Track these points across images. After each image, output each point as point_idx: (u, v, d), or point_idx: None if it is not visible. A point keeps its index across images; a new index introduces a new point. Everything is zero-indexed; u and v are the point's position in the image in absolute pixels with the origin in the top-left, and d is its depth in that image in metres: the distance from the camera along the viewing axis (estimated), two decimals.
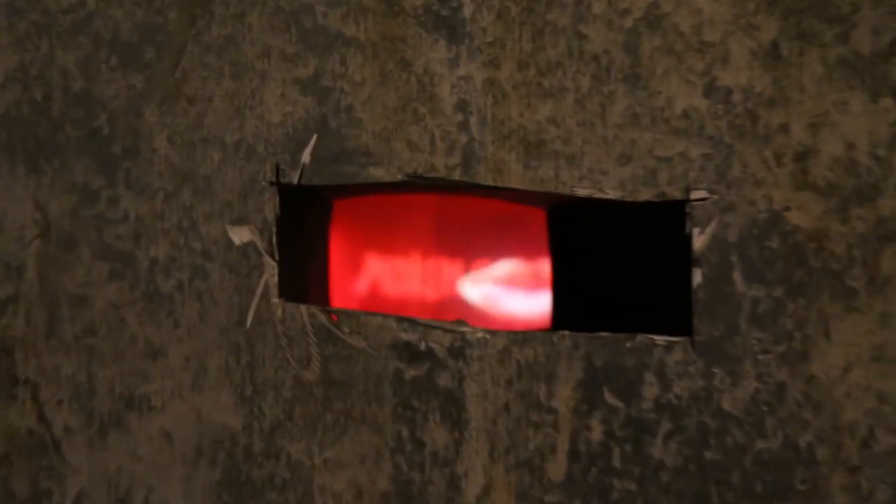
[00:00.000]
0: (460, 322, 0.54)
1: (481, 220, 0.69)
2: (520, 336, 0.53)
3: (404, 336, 0.56)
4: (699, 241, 0.52)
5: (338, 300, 0.67)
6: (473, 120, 0.54)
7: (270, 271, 0.56)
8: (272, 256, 0.56)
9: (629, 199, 0.52)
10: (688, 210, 0.52)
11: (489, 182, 0.53)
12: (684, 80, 0.52)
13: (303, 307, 0.55)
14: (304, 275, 0.60)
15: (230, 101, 0.58)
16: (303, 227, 0.60)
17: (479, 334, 0.54)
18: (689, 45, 0.52)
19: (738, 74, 0.52)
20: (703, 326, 0.51)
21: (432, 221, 0.68)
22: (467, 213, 0.68)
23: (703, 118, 0.52)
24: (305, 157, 0.56)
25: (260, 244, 0.57)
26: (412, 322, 0.54)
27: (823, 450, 0.50)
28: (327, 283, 0.64)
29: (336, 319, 0.55)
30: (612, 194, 0.52)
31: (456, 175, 0.54)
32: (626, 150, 0.53)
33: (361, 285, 0.68)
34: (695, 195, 0.52)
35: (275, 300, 0.57)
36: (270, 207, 0.57)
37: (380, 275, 0.68)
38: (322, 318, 0.56)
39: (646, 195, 0.52)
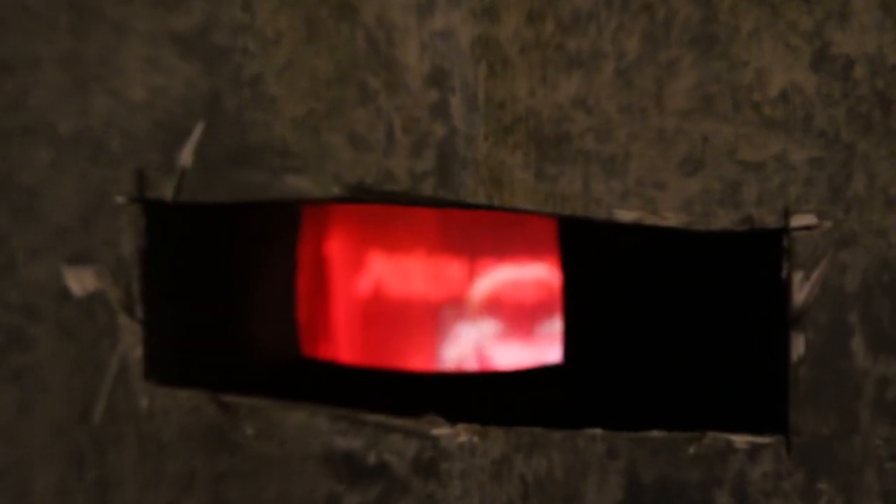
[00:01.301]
0: (431, 420, 0.45)
1: (486, 220, 0.67)
2: (526, 438, 0.45)
3: (342, 442, 0.46)
4: (802, 291, 0.45)
5: (322, 322, 0.65)
6: (456, 101, 0.45)
7: (130, 338, 0.47)
8: (132, 314, 0.47)
9: (698, 227, 0.44)
10: (786, 244, 0.45)
11: (480, 199, 0.44)
12: (782, 44, 0.45)
13: (183, 394, 0.47)
14: (223, 328, 0.54)
15: (68, 68, 0.48)
16: (228, 254, 0.55)
17: (462, 438, 0.45)
18: None
19: (862, 37, 0.45)
20: (804, 420, 0.45)
21: (436, 219, 0.66)
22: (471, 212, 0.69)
23: (811, 103, 0.45)
24: (185, 157, 0.46)
25: (112, 295, 0.48)
26: (355, 421, 0.46)
27: None
28: (293, 318, 0.61)
29: (233, 412, 0.47)
30: (671, 220, 0.44)
31: (427, 188, 0.44)
32: (693, 150, 0.45)
33: (354, 294, 0.66)
34: (797, 221, 0.45)
35: (139, 384, 0.47)
36: (129, 237, 0.47)
37: (375, 281, 0.67)
38: (211, 410, 0.47)
39: (723, 221, 0.44)
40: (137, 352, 0.46)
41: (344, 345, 0.68)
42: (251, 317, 0.57)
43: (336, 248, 0.67)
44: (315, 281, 0.65)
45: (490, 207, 0.44)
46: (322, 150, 0.45)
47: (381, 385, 0.63)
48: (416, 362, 0.69)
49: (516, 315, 0.69)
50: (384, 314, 0.68)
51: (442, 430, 0.44)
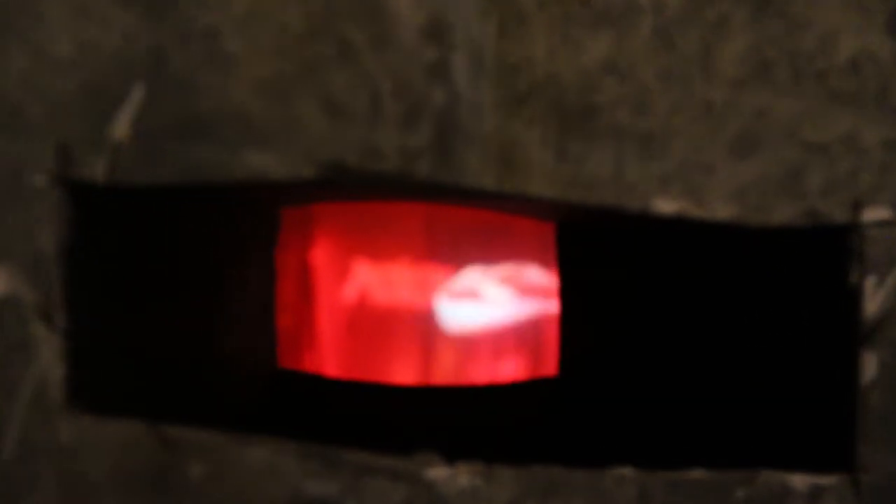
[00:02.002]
0: (424, 459, 0.38)
1: (474, 228, 0.66)
2: (541, 480, 0.39)
3: (314, 487, 0.40)
4: (875, 300, 0.40)
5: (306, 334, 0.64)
6: (459, 61, 0.38)
7: (49, 354, 0.40)
8: (51, 324, 0.40)
9: (752, 221, 0.39)
10: (855, 243, 0.40)
11: (488, 183, 0.38)
12: (853, 1, 0.40)
13: (115, 426, 0.40)
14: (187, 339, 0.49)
15: None
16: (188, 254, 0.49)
17: (462, 481, 0.39)
18: None
19: None
20: (875, 455, 0.40)
21: (422, 228, 0.64)
22: (459, 218, 0.66)
23: (887, 73, 0.40)
24: (121, 129, 0.40)
25: (27, 300, 0.41)
26: (329, 460, 0.39)
27: None
28: (271, 328, 0.58)
29: (178, 449, 0.39)
30: (720, 212, 0.39)
31: (422, 168, 0.38)
32: (747, 128, 0.40)
33: (335, 307, 0.65)
34: (870, 215, 0.40)
35: (59, 412, 0.41)
36: (50, 227, 0.41)
37: (360, 291, 0.65)
38: (151, 446, 0.40)
39: (782, 214, 0.39)
40: (58, 371, 0.40)
41: (326, 357, 0.66)
42: (217, 328, 0.52)
43: (318, 255, 0.66)
44: (294, 290, 0.64)
45: (499, 195, 0.38)
46: (291, 121, 0.38)
47: (366, 400, 0.58)
48: (403, 375, 0.67)
49: (506, 326, 0.68)
50: (369, 325, 0.66)
51: (438, 472, 0.38)
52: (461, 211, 0.63)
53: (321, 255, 0.65)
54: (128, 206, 0.45)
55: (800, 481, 0.39)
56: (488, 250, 0.67)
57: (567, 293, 0.63)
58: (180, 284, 0.50)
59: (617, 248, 0.59)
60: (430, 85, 0.38)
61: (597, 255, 0.61)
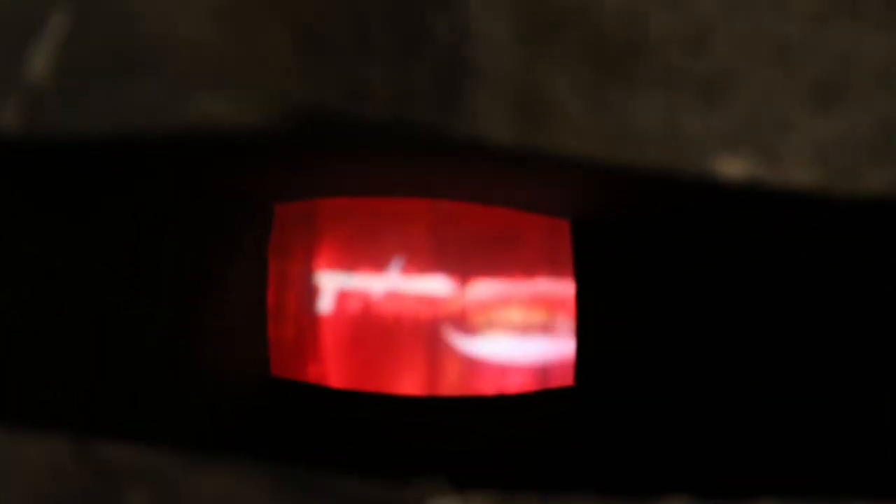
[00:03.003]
0: (425, 487, 0.31)
1: (483, 234, 0.64)
2: None
3: None
4: None
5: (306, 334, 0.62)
6: None
7: None
8: None
9: (838, 190, 0.31)
10: None
11: (504, 136, 0.30)
12: None
13: (35, 448, 0.32)
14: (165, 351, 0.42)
15: None
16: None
17: None
18: None
19: None
20: None
21: (429, 233, 0.63)
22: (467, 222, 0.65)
23: None
24: (38, 65, 0.32)
25: None
26: (306, 489, 0.30)
27: None
28: (262, 336, 0.55)
29: (113, 475, 0.32)
30: (799, 178, 0.31)
31: (420, 113, 0.30)
32: (830, 73, 0.32)
33: (334, 312, 0.63)
34: None
35: None
36: None
37: (362, 299, 0.63)
38: (80, 472, 0.31)
39: (875, 181, 0.31)
40: None
41: (323, 366, 0.62)
42: (197, 332, 0.44)
43: (319, 261, 0.62)
44: (293, 296, 0.60)
45: (519, 152, 0.30)
46: (255, 56, 0.31)
47: (367, 411, 0.52)
48: (408, 386, 0.63)
49: (517, 335, 0.64)
50: (371, 333, 0.63)
51: (442, 503, 0.31)
52: (469, 215, 0.59)
53: (322, 261, 0.62)
54: (62, 168, 0.38)
55: None
56: (498, 256, 0.63)
57: (584, 298, 0.57)
58: (146, 278, 0.42)
59: (639, 246, 0.52)
60: (430, 11, 0.32)
61: (618, 254, 0.54)
